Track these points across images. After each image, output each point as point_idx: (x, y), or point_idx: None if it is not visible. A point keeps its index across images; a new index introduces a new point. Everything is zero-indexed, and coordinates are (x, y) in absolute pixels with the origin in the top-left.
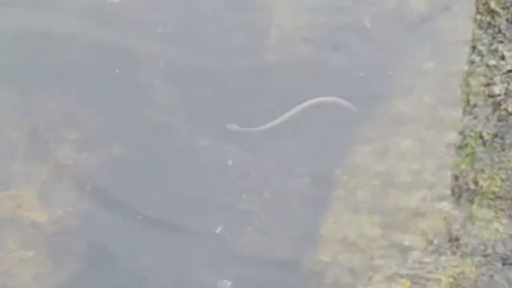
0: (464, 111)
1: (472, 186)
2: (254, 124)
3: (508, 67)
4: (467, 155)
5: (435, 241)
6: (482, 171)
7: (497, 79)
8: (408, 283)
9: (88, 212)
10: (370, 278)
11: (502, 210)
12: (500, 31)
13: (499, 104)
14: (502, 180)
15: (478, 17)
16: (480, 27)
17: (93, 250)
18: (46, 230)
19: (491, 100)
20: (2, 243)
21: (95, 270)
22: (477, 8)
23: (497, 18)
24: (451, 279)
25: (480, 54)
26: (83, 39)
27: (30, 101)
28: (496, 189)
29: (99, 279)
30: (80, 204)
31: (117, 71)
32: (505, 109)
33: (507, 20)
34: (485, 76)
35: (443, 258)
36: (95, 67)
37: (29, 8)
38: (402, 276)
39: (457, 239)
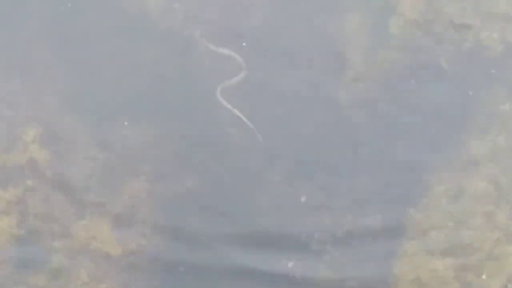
0: None
1: None
2: None
3: None
4: None
5: (509, 285)
6: None
7: None
8: None
9: (162, 246)
10: None
11: None
12: None
13: None
14: None
15: None
16: None
17: (166, 285)
18: (119, 263)
19: None
20: (76, 274)
21: None
22: None
23: None
24: None
25: None
26: (161, 70)
27: (105, 132)
28: None
29: None
30: (154, 237)
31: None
32: None
33: None
34: None
35: None
36: (170, 99)
37: (107, 40)
38: None
39: None
